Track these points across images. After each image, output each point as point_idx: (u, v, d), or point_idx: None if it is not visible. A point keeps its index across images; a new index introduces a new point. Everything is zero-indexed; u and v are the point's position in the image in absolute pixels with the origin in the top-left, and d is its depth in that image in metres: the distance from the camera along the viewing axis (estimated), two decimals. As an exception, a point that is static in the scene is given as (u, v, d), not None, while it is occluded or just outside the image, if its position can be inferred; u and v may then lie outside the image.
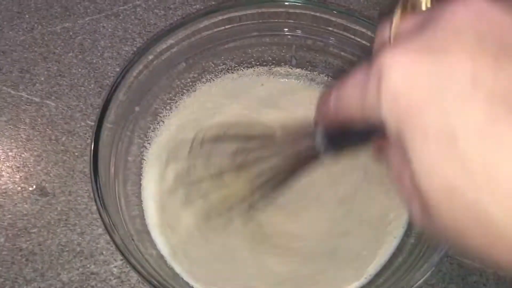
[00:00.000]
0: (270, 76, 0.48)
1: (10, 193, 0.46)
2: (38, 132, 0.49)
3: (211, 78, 0.48)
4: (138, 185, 0.44)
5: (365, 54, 0.42)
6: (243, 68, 0.48)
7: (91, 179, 0.36)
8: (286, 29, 0.45)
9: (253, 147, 0.37)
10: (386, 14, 0.24)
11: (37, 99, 0.50)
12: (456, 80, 0.18)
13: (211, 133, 0.42)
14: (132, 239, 0.37)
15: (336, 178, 0.43)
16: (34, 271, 0.43)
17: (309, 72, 0.48)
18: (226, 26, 0.43)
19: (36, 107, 0.50)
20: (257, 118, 0.46)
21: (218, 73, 0.48)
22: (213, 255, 0.41)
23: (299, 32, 0.45)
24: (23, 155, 0.48)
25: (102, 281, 0.43)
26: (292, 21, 0.44)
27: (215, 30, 0.43)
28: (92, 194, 0.36)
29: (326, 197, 0.43)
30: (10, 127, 0.49)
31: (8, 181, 0.47)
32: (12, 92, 0.51)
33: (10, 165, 0.48)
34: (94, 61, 0.52)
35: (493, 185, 0.17)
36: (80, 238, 0.45)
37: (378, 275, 0.39)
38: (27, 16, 0.54)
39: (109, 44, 0.53)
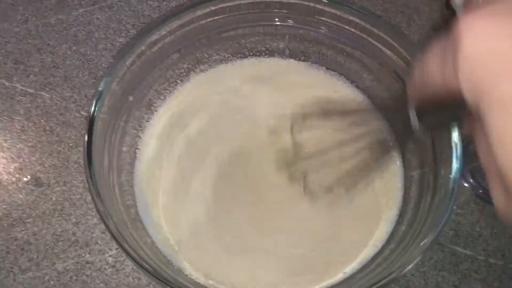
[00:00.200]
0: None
1: (5, 183, 0.47)
2: (32, 123, 0.49)
3: (204, 68, 0.48)
4: (133, 174, 0.44)
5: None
6: (237, 58, 0.48)
7: (85, 168, 0.37)
8: (279, 20, 0.45)
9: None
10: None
11: (31, 90, 0.50)
12: None
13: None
14: (127, 227, 0.37)
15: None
16: (29, 260, 0.44)
17: (302, 62, 0.48)
18: (219, 17, 0.44)
19: (31, 98, 0.50)
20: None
21: (211, 63, 0.48)
22: (215, 245, 0.41)
23: (291, 22, 0.45)
24: (17, 146, 0.48)
25: (97, 270, 0.43)
26: (285, 11, 0.44)
27: (208, 20, 0.43)
28: (86, 184, 0.37)
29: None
30: (4, 118, 0.49)
31: (3, 172, 0.47)
32: (6, 83, 0.51)
33: (5, 156, 0.48)
34: (88, 52, 0.52)
35: None
36: (75, 228, 0.45)
37: (370, 261, 0.40)
38: (21, 7, 0.54)
39: (103, 36, 0.53)
